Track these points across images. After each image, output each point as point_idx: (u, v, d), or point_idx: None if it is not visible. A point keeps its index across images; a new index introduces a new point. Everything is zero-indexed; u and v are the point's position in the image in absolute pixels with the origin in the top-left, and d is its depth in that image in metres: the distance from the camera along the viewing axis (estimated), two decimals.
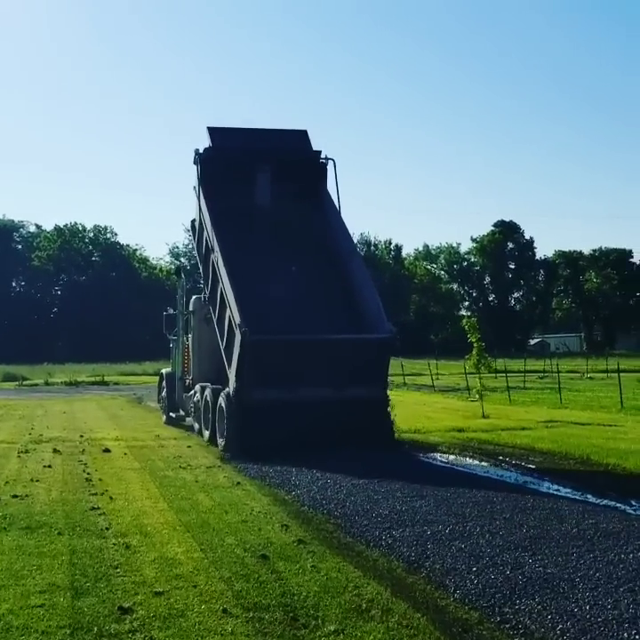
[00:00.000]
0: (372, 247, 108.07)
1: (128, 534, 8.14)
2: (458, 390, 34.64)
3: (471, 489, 10.59)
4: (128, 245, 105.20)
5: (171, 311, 23.04)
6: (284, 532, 8.26)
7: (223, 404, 15.39)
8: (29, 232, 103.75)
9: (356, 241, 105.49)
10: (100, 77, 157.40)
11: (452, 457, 14.83)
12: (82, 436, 17.64)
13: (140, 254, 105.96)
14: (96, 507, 9.54)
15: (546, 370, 46.89)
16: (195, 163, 18.23)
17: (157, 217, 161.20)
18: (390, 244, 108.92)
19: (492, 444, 16.02)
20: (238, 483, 11.41)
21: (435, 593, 6.27)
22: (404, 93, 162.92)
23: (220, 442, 15.49)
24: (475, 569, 6.79)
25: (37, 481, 11.48)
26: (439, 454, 15.15)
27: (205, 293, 18.32)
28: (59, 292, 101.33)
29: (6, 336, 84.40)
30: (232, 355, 15.24)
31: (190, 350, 20.24)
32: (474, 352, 22.98)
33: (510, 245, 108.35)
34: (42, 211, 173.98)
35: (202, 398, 17.42)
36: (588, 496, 10.73)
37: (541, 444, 15.46)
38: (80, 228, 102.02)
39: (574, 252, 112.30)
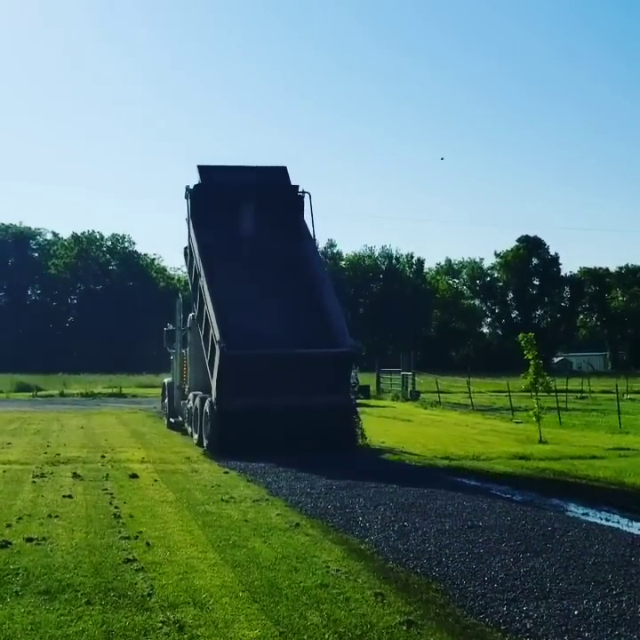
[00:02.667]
0: (394, 261, 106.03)
1: (178, 605, 6.20)
2: (496, 410, 32.70)
3: (590, 541, 8.58)
4: (146, 255, 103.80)
5: (170, 327, 25.21)
6: (381, 606, 6.29)
7: (207, 410, 17.32)
8: (46, 240, 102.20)
9: (377, 254, 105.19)
10: (125, 89, 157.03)
11: (531, 492, 12.77)
12: (103, 457, 15.87)
13: (158, 264, 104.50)
14: (131, 558, 7.61)
15: (583, 390, 44.73)
16: (185, 197, 20.30)
17: (175, 227, 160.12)
18: (412, 257, 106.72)
19: (570, 477, 14.16)
20: (297, 524, 9.45)
21: None
22: (431, 108, 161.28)
23: (206, 443, 17.30)
24: None
25: (57, 517, 9.58)
26: (514, 489, 13.11)
27: (194, 313, 20.36)
28: (75, 301, 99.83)
29: (21, 345, 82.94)
30: (214, 367, 17.04)
31: (187, 362, 22.12)
32: (530, 370, 20.93)
33: (535, 261, 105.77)
34: (59, 218, 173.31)
35: (193, 405, 19.32)
36: None
37: (630, 479, 13.67)
38: (97, 237, 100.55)
39: (600, 268, 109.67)
